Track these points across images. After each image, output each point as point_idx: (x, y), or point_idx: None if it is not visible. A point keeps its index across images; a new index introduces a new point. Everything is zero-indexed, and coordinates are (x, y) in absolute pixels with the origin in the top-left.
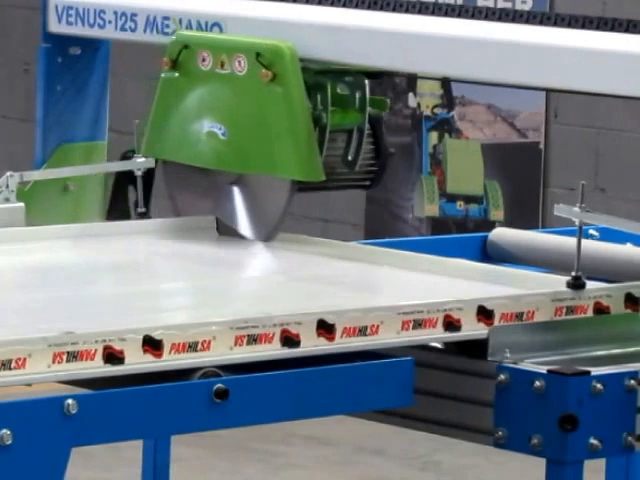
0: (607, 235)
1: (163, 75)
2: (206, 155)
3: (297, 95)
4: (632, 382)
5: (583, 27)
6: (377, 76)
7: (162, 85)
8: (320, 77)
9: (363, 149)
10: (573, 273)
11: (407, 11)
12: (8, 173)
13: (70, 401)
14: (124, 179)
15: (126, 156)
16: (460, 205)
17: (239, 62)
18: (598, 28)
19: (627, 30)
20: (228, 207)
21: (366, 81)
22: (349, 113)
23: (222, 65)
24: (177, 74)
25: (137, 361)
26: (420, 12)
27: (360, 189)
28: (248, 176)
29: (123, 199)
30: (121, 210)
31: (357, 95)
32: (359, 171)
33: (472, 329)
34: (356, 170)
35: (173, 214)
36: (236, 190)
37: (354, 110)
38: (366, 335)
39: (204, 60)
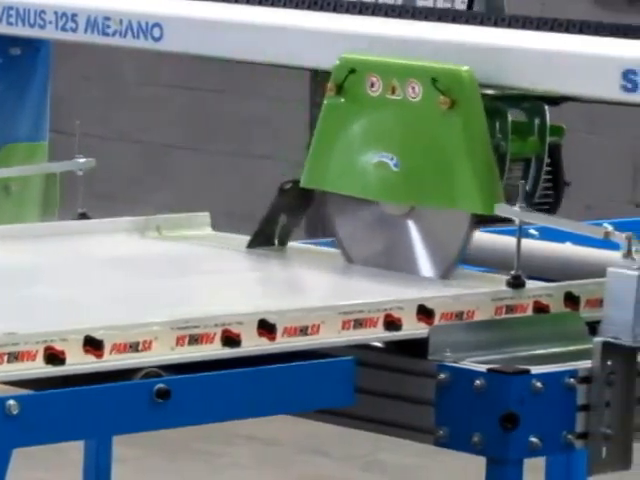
0: (547, 234)
1: (327, 101)
2: (376, 187)
3: (478, 123)
4: (572, 380)
5: (523, 27)
6: (556, 102)
7: (326, 111)
8: (498, 103)
9: (542, 179)
10: (513, 272)
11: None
12: None
13: (11, 402)
14: (280, 207)
15: (283, 189)
16: None
17: (413, 88)
18: (538, 28)
19: (567, 30)
20: (399, 241)
21: (546, 107)
22: (528, 141)
23: (393, 91)
24: (342, 100)
25: (78, 361)
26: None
27: None
28: (421, 209)
29: (272, 227)
30: (267, 236)
31: (536, 122)
32: (535, 202)
33: (413, 328)
34: (533, 202)
35: (337, 246)
36: (407, 224)
37: (533, 138)
38: (307, 335)
39: (373, 85)
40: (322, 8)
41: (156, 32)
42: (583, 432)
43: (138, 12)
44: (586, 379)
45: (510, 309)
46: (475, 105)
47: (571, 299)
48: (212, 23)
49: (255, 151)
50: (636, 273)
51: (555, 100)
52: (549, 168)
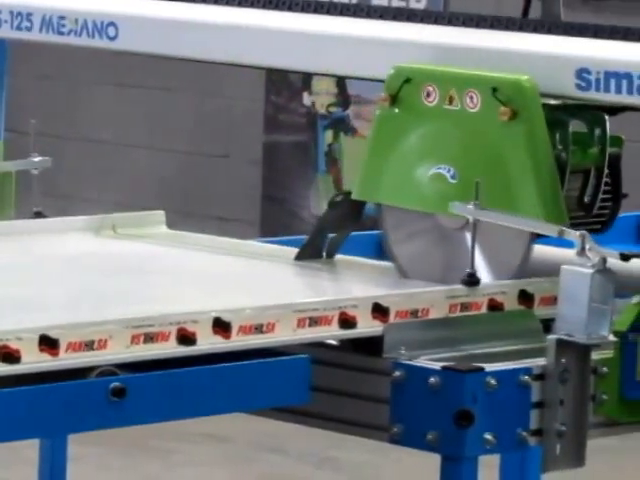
0: None
1: (380, 111)
2: (432, 199)
3: (540, 134)
4: (526, 378)
5: (477, 26)
6: (615, 112)
7: (379, 122)
8: (558, 113)
9: (601, 191)
10: (467, 270)
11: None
12: None
13: None
14: (331, 220)
15: (334, 202)
16: None
17: (471, 98)
18: (492, 27)
19: (521, 29)
20: (456, 255)
21: (606, 117)
22: (588, 152)
23: (451, 101)
24: (397, 110)
25: (34, 360)
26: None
27: (591, 233)
28: (480, 221)
29: (322, 239)
30: (315, 248)
31: (596, 133)
32: (593, 214)
33: (367, 326)
34: (592, 213)
35: (391, 260)
36: (465, 237)
37: (593, 149)
38: (262, 333)
39: (429, 95)
40: (277, 7)
41: (111, 31)
42: (537, 429)
43: (93, 11)
44: (540, 376)
45: (465, 307)
46: (537, 116)
47: (525, 297)
48: (167, 22)
49: (211, 150)
50: (590, 271)
51: (614, 110)
52: (607, 179)
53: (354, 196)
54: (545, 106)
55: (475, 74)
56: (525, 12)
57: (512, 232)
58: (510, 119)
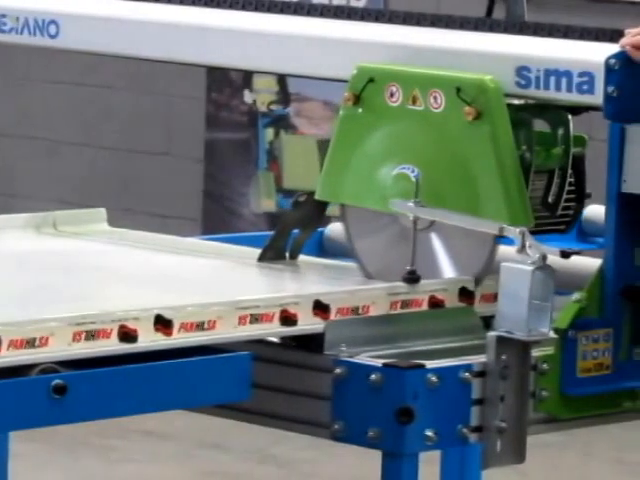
0: None
1: (343, 111)
2: (396, 199)
3: (505, 134)
4: (467, 375)
5: (418, 24)
6: (579, 111)
7: (342, 122)
8: (522, 113)
9: (565, 191)
10: (408, 267)
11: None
12: None
13: None
14: (293, 220)
15: (297, 202)
16: None
17: (435, 98)
18: (433, 25)
19: (461, 27)
20: (420, 256)
21: (569, 117)
22: (552, 152)
23: (414, 101)
24: (360, 110)
25: None
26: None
27: (556, 233)
28: (443, 222)
29: (284, 239)
30: (278, 249)
31: (560, 132)
32: (557, 214)
33: (308, 323)
34: (556, 214)
35: (354, 261)
36: (428, 238)
37: (557, 149)
38: (204, 330)
39: (392, 95)
40: (218, 5)
41: (52, 29)
42: (478, 426)
43: (34, 9)
44: (481, 373)
45: (406, 304)
46: (501, 115)
47: (465, 294)
48: (108, 20)
49: (152, 148)
50: (530, 268)
51: (578, 109)
52: (571, 179)
53: (317, 196)
54: (509, 106)
55: (439, 74)
56: (489, 12)
57: (476, 234)
58: (474, 119)
